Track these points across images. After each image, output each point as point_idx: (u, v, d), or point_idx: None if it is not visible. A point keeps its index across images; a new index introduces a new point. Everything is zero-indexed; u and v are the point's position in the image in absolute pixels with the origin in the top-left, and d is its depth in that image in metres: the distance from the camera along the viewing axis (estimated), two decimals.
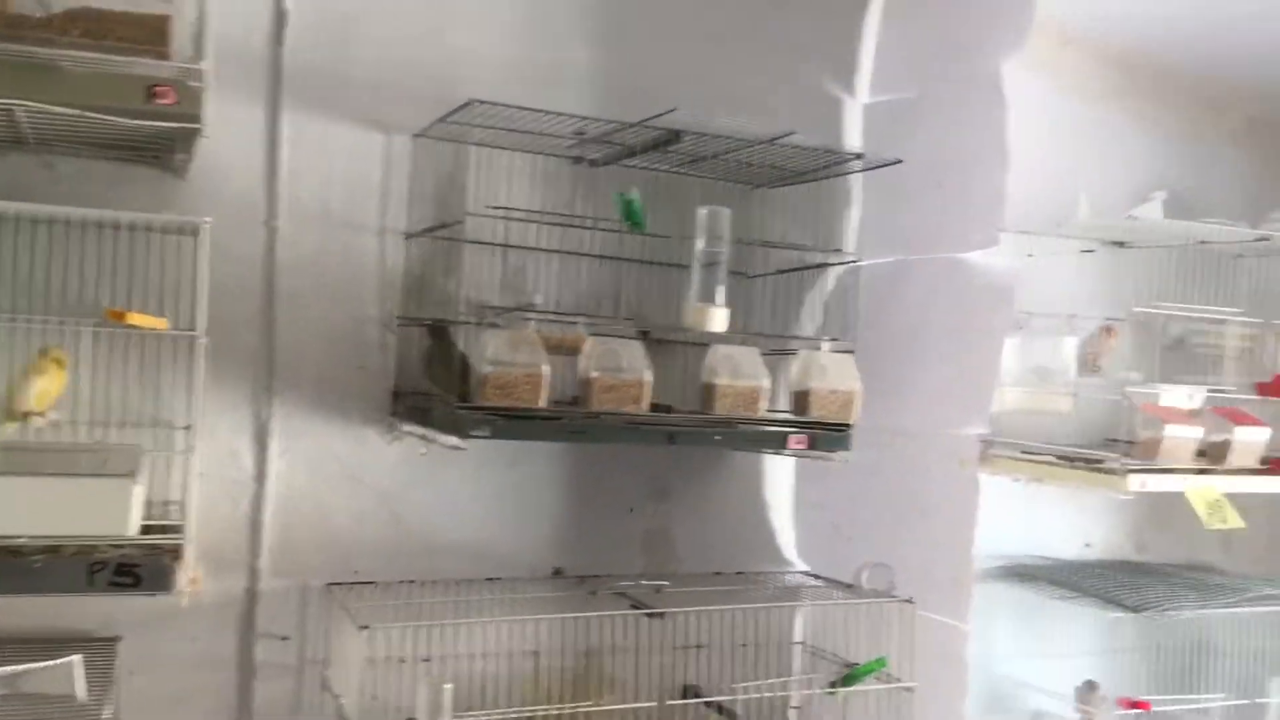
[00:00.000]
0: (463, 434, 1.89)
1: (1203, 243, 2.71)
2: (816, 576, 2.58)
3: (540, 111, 2.00)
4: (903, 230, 2.50)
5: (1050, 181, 2.86)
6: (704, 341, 2.18)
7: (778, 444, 2.14)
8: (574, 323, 2.08)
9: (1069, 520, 2.99)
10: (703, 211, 2.13)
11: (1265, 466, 2.55)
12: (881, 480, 2.46)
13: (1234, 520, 2.46)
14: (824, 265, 2.37)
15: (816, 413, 2.14)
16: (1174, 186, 2.96)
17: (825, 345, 2.23)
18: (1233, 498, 2.51)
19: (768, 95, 2.57)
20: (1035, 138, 2.87)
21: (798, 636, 2.57)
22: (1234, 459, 2.48)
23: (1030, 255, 2.77)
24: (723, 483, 2.59)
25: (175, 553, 1.78)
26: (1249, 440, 2.47)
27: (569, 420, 1.96)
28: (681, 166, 2.35)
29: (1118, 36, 2.86)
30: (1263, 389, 2.63)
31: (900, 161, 2.26)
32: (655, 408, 2.09)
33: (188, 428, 1.95)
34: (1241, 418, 2.49)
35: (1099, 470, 2.51)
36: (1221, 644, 2.76)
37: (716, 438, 2.09)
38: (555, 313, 2.23)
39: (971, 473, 2.26)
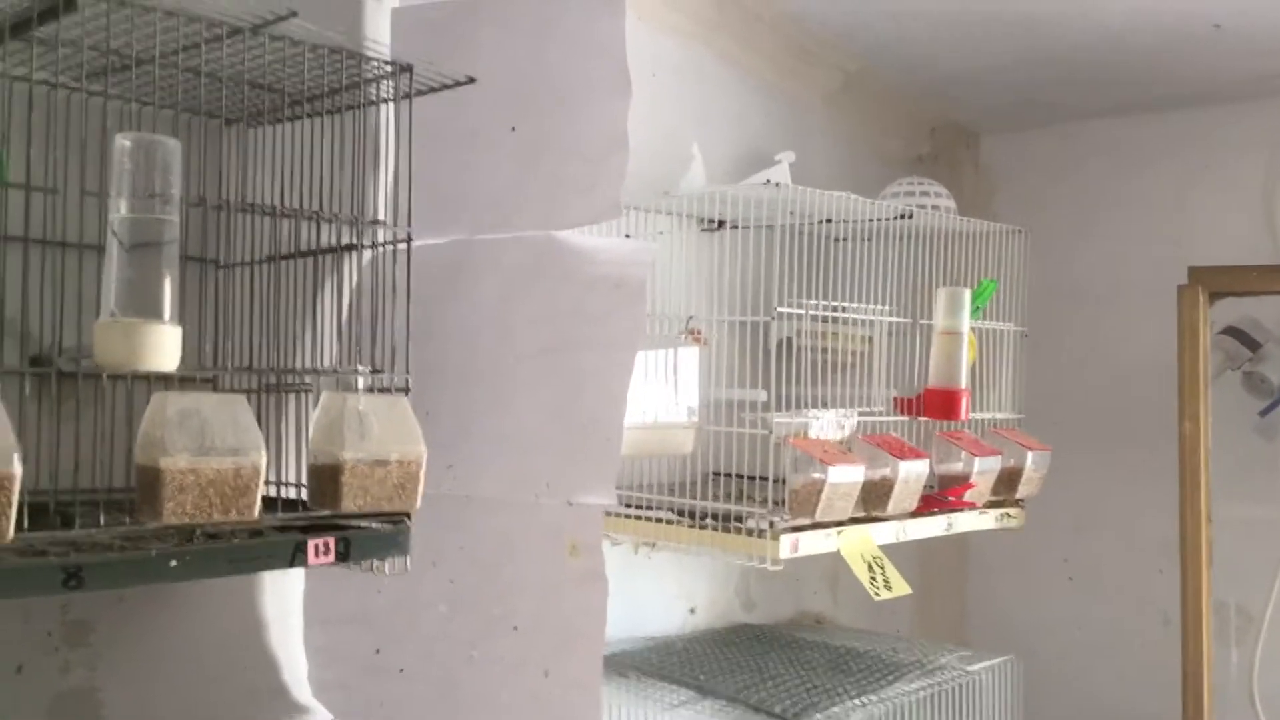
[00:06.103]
0: None
1: (827, 220, 2.14)
2: None
3: None
4: (464, 197, 1.66)
5: (644, 137, 2.16)
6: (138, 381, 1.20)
7: (285, 560, 1.22)
8: None
9: (668, 585, 2.32)
10: (125, 142, 1.12)
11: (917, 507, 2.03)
12: (447, 577, 1.61)
13: (899, 585, 1.89)
14: (350, 248, 1.45)
15: (354, 501, 1.24)
16: (780, 150, 2.36)
17: (361, 381, 1.34)
18: (888, 549, 1.96)
19: None
20: None
21: None
22: (895, 503, 1.92)
23: (628, 236, 2.05)
24: (186, 599, 1.59)
25: None
26: (911, 476, 1.92)
27: None
28: (100, 79, 1.33)
29: None
30: (904, 406, 2.10)
31: (473, 80, 1.42)
32: (39, 511, 1.09)
33: None
34: (901, 449, 1.93)
35: (738, 532, 1.84)
36: None
37: (173, 564, 1.13)
38: None
39: (592, 565, 1.47)
